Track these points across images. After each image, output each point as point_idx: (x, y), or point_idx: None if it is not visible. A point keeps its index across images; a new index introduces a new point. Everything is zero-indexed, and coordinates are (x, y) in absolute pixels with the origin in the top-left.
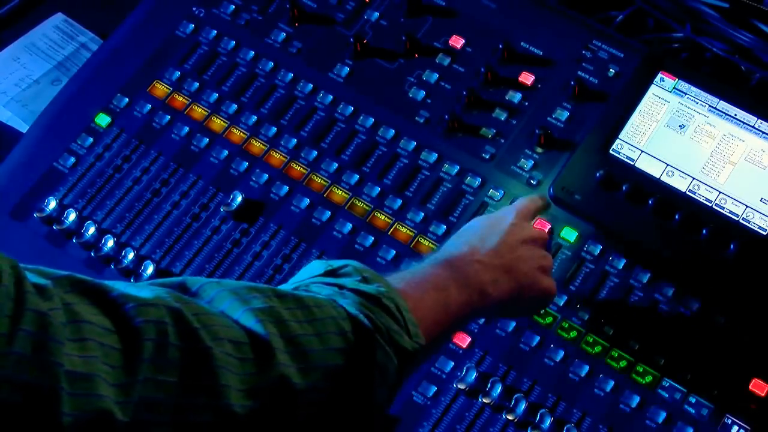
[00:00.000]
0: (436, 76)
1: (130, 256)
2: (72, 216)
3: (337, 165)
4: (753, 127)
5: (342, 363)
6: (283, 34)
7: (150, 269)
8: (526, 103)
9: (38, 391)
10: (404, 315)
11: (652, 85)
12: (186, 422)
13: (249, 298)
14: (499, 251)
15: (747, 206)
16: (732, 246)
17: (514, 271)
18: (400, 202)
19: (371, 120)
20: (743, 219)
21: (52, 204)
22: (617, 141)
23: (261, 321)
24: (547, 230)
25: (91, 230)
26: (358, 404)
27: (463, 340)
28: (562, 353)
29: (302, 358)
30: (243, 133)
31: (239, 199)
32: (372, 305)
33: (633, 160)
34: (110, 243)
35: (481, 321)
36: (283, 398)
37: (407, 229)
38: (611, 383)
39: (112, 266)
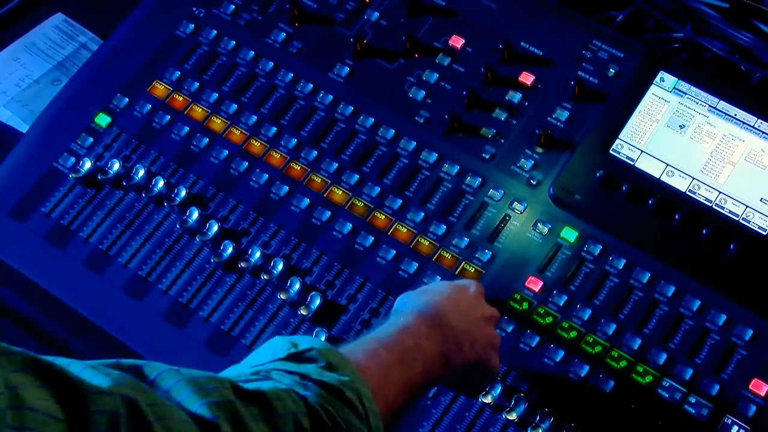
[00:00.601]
0: (436, 76)
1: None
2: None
3: (337, 165)
4: (753, 127)
5: None
6: (283, 34)
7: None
8: (526, 103)
9: None
10: (366, 407)
11: (652, 85)
12: None
13: (208, 389)
14: (466, 319)
15: (747, 206)
16: (732, 246)
17: (475, 344)
18: (400, 202)
19: (371, 120)
20: (743, 219)
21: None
22: (617, 141)
23: (217, 417)
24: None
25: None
26: None
27: None
28: (562, 353)
29: None
30: (243, 133)
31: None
32: (334, 399)
33: (633, 160)
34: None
35: None
36: None
37: (407, 229)
38: (611, 383)
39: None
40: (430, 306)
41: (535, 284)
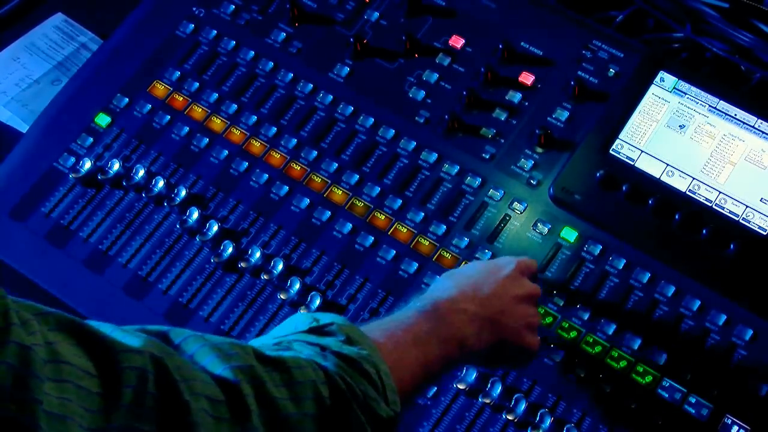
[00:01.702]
0: (436, 76)
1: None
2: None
3: (337, 165)
4: (753, 127)
5: (315, 430)
6: (283, 34)
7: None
8: (526, 103)
9: (16, 426)
10: (384, 381)
11: (652, 85)
12: None
13: (231, 354)
14: (489, 302)
15: (747, 206)
16: (732, 246)
17: (499, 325)
18: (400, 202)
19: (371, 120)
20: (743, 219)
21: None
22: (617, 141)
23: (239, 381)
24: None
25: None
26: None
27: None
28: (562, 353)
29: (276, 424)
30: (243, 133)
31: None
32: (352, 370)
33: (633, 160)
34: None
35: None
36: None
37: (407, 229)
38: (611, 383)
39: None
40: (450, 291)
41: None
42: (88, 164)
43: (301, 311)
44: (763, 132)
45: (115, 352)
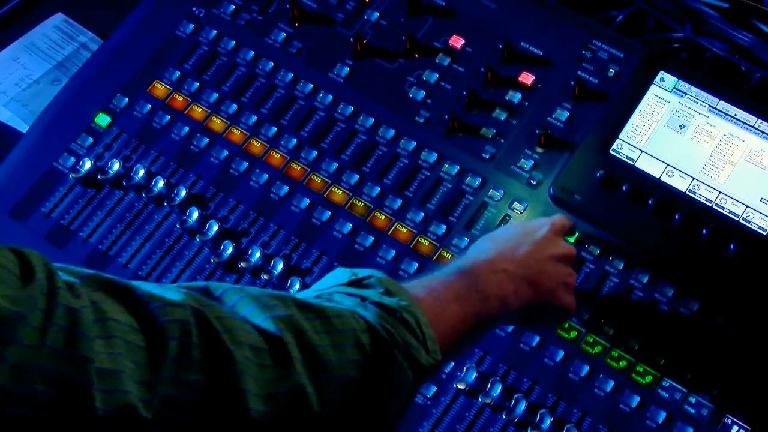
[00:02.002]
0: (436, 76)
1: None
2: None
3: (337, 165)
4: (753, 127)
5: (358, 376)
6: (283, 34)
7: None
8: (526, 103)
9: (70, 384)
10: (424, 330)
11: (652, 85)
12: (205, 423)
13: (270, 305)
14: (527, 262)
15: (747, 206)
16: (732, 246)
17: (537, 284)
18: (400, 202)
19: (371, 120)
20: (743, 219)
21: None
22: (617, 141)
23: (280, 329)
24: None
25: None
26: (372, 416)
27: None
28: (562, 353)
29: (318, 370)
30: (243, 133)
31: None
32: (392, 319)
33: (633, 160)
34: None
35: None
36: (298, 406)
37: (407, 229)
38: (611, 383)
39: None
40: (489, 252)
41: None
42: (88, 164)
43: (341, 267)
44: (763, 132)
45: (155, 306)
